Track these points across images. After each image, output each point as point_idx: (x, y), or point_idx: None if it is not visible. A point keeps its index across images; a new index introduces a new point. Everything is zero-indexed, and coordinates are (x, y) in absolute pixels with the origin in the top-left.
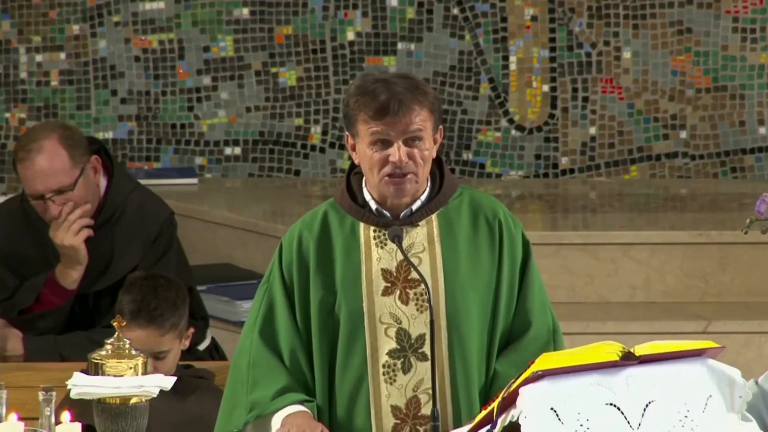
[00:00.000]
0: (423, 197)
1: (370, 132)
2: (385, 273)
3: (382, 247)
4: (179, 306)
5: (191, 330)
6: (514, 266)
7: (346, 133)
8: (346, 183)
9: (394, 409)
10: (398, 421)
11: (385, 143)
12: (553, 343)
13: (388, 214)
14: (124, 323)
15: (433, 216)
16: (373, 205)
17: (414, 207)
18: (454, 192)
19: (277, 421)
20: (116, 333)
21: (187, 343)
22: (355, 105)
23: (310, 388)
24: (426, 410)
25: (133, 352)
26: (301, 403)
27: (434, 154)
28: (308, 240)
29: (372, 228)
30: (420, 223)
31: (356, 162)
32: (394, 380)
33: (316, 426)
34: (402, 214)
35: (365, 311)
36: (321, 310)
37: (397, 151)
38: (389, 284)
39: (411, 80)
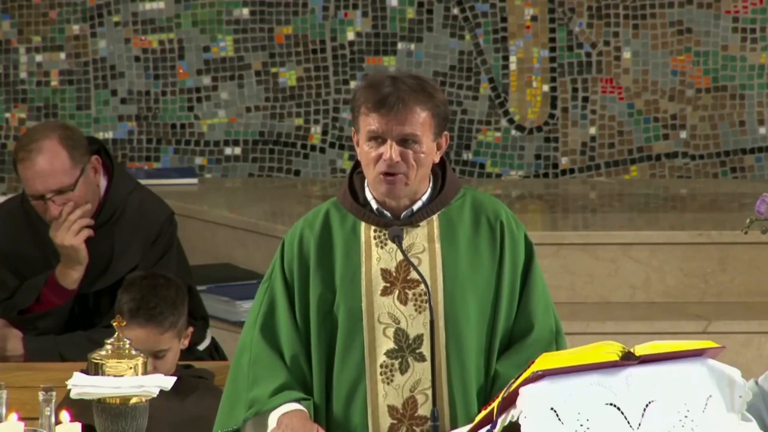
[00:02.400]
0: (424, 198)
1: (367, 128)
2: (385, 273)
3: (382, 247)
4: (178, 305)
5: (190, 329)
6: (516, 268)
7: (353, 128)
8: (348, 182)
9: (391, 409)
10: (395, 421)
11: (380, 140)
12: (555, 344)
13: (388, 214)
14: (124, 323)
15: (434, 216)
16: (374, 205)
17: (415, 207)
18: (457, 193)
19: (273, 418)
20: (116, 333)
21: (186, 342)
22: (360, 95)
23: (309, 387)
24: (423, 411)
25: (133, 352)
26: (297, 401)
27: (436, 159)
28: (309, 238)
29: (372, 227)
30: (420, 224)
31: (358, 157)
32: (392, 380)
33: (312, 427)
34: (403, 214)
35: (364, 311)
36: (320, 309)
37: (389, 149)
38: (388, 284)
39: (420, 81)
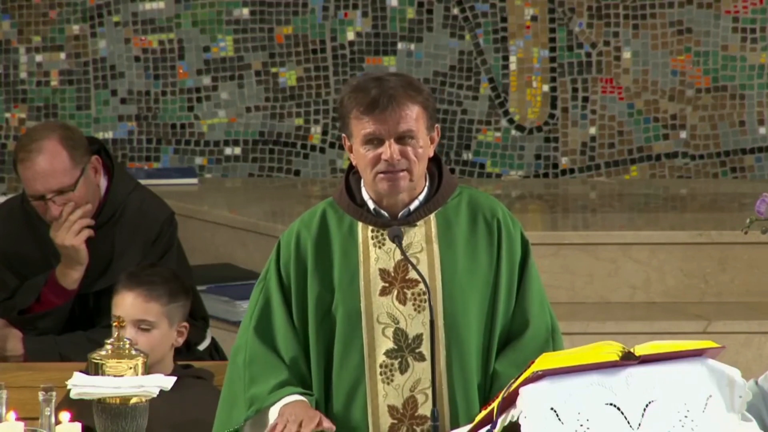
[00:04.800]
0: (421, 197)
1: (362, 132)
2: (383, 273)
3: (380, 247)
4: (174, 289)
5: (185, 324)
6: (513, 265)
7: (343, 135)
8: (345, 182)
9: (391, 408)
10: (395, 421)
11: (378, 142)
12: (551, 342)
13: (386, 214)
14: (124, 322)
15: (431, 216)
16: (371, 205)
17: (412, 207)
18: (453, 192)
19: (274, 412)
20: (116, 333)
21: (180, 340)
22: (348, 101)
23: (307, 385)
24: (423, 410)
25: (133, 352)
26: (299, 395)
27: (430, 153)
28: (306, 239)
29: (370, 228)
30: (418, 223)
31: (353, 163)
32: (392, 380)
33: (315, 414)
34: (400, 214)
35: (363, 311)
36: (318, 310)
37: (389, 149)
38: (387, 284)
39: (404, 78)
